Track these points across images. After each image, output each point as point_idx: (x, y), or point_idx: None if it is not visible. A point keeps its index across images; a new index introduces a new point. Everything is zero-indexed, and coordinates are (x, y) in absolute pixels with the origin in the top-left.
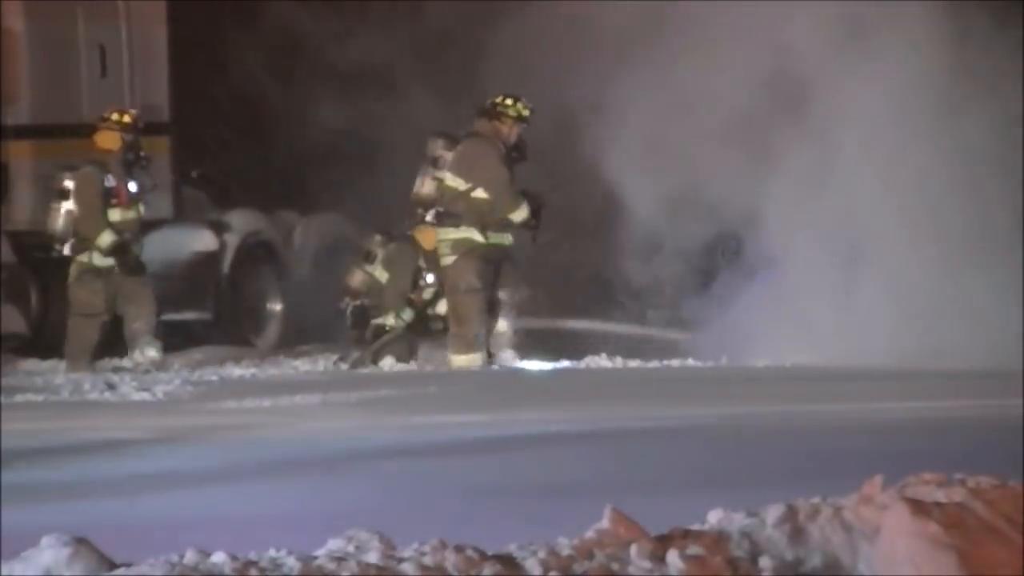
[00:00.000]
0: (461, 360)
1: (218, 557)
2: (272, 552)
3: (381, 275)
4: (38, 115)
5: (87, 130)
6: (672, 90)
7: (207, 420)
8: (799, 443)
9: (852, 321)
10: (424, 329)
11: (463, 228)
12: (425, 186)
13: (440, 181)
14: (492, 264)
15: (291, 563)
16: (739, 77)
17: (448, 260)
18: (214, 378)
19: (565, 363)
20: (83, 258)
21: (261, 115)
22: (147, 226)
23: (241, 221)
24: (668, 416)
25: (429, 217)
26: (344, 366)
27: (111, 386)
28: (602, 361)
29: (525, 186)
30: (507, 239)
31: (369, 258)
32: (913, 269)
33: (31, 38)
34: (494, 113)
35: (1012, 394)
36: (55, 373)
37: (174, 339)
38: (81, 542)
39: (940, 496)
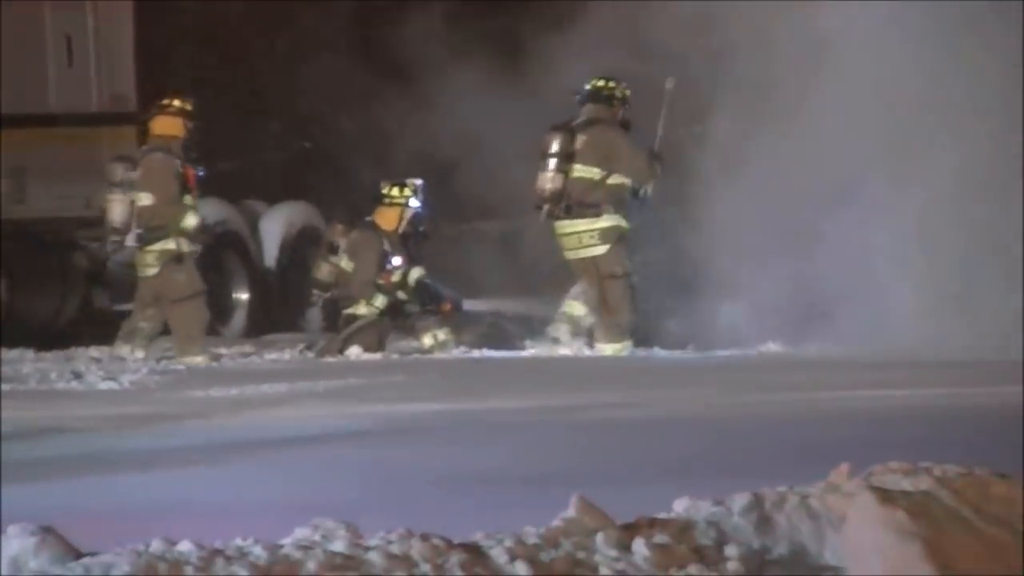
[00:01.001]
0: (615, 348)
1: (184, 546)
2: (238, 541)
3: (347, 265)
4: (4, 105)
5: (53, 120)
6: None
7: (173, 409)
8: (767, 432)
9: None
10: (398, 313)
11: (605, 216)
12: (550, 180)
13: (567, 173)
14: None
15: (257, 552)
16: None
17: (600, 250)
18: (180, 367)
19: (532, 352)
20: (168, 245)
21: (228, 105)
22: None
23: (208, 211)
24: (634, 404)
25: (558, 210)
26: (311, 355)
27: (77, 375)
28: (566, 349)
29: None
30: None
31: (333, 249)
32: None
33: None
34: (601, 97)
35: (978, 383)
36: (21, 362)
37: None
38: (47, 531)
39: (906, 485)
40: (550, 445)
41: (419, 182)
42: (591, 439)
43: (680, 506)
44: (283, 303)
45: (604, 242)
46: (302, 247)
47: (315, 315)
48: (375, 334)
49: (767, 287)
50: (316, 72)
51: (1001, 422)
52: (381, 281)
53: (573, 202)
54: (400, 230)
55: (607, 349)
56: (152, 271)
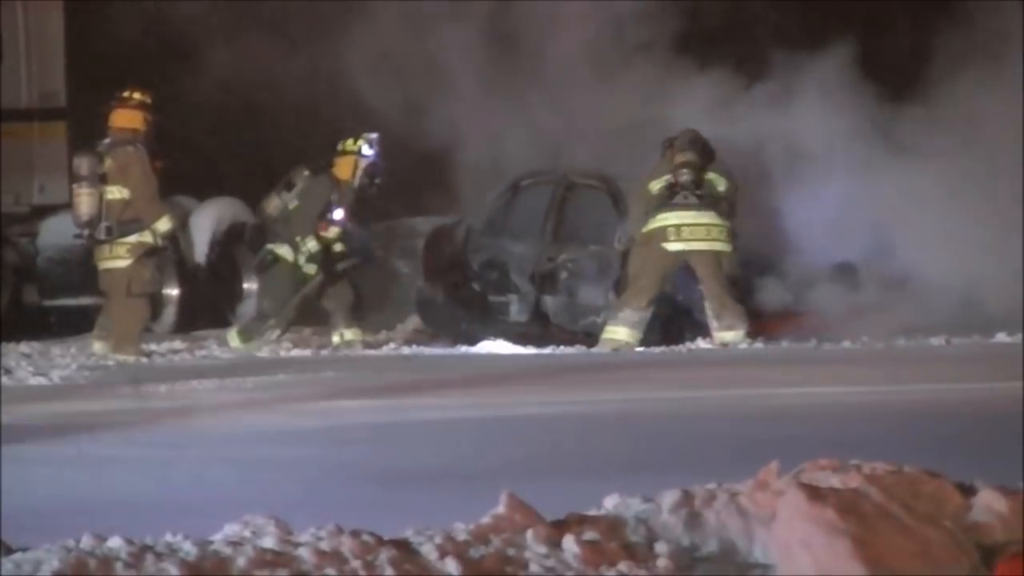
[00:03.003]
0: (736, 335)
1: (114, 542)
2: (168, 537)
3: (293, 205)
4: None
5: None
6: None
7: (103, 405)
8: (696, 429)
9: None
10: (328, 268)
11: (704, 211)
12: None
13: (691, 164)
14: None
15: (187, 548)
16: None
17: (726, 247)
18: (110, 363)
19: (463, 348)
20: (144, 238)
21: (158, 101)
22: (44, 211)
23: None
24: (565, 402)
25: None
26: (273, 334)
27: (7, 370)
28: (499, 347)
29: None
30: None
31: (288, 187)
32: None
33: None
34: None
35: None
36: None
37: (71, 324)
38: None
39: (835, 482)
40: (478, 441)
41: (374, 135)
42: (519, 436)
43: (610, 503)
44: (213, 299)
45: (730, 239)
46: (231, 243)
47: (246, 310)
48: (316, 300)
49: None
50: (248, 66)
51: None
52: (320, 229)
53: (706, 196)
54: (356, 182)
55: (727, 336)
56: (123, 263)
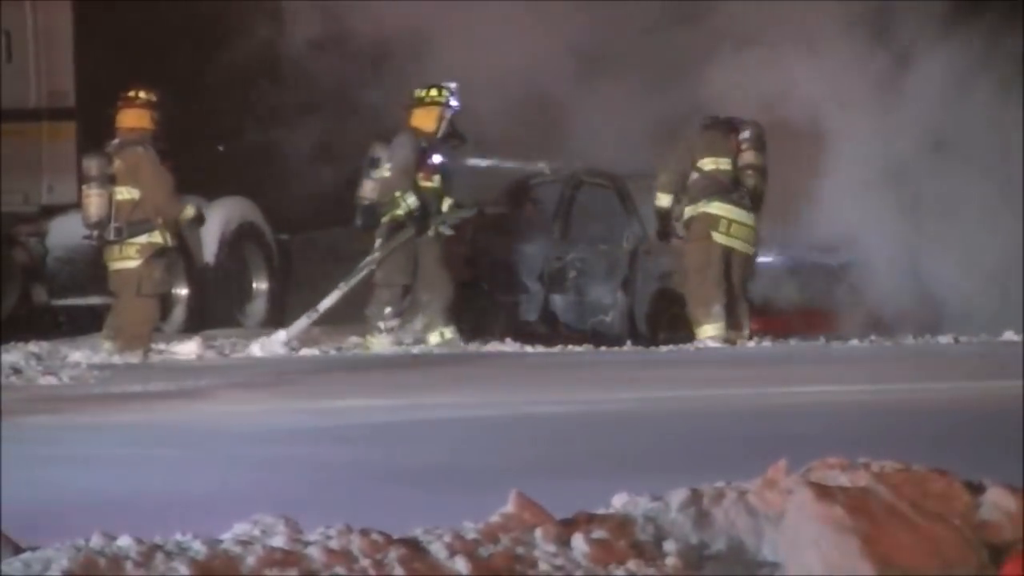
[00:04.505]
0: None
1: (124, 541)
2: (178, 536)
3: (385, 171)
4: None
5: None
6: None
7: (112, 404)
8: (704, 427)
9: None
10: (423, 224)
11: (751, 214)
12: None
13: (759, 169)
14: None
15: (197, 547)
16: None
17: (738, 245)
18: (119, 362)
19: (475, 347)
20: (155, 238)
21: (168, 101)
22: (53, 211)
23: None
24: (572, 400)
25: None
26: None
27: (17, 370)
28: (507, 347)
29: None
30: None
31: (373, 164)
32: None
33: None
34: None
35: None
36: None
37: (80, 323)
38: None
39: (844, 480)
40: (488, 440)
41: (454, 84)
42: (528, 434)
43: (618, 502)
44: (221, 298)
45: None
46: (240, 242)
47: (255, 310)
48: (410, 256)
49: None
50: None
51: None
52: (422, 179)
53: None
54: (440, 133)
55: (729, 335)
56: (133, 264)
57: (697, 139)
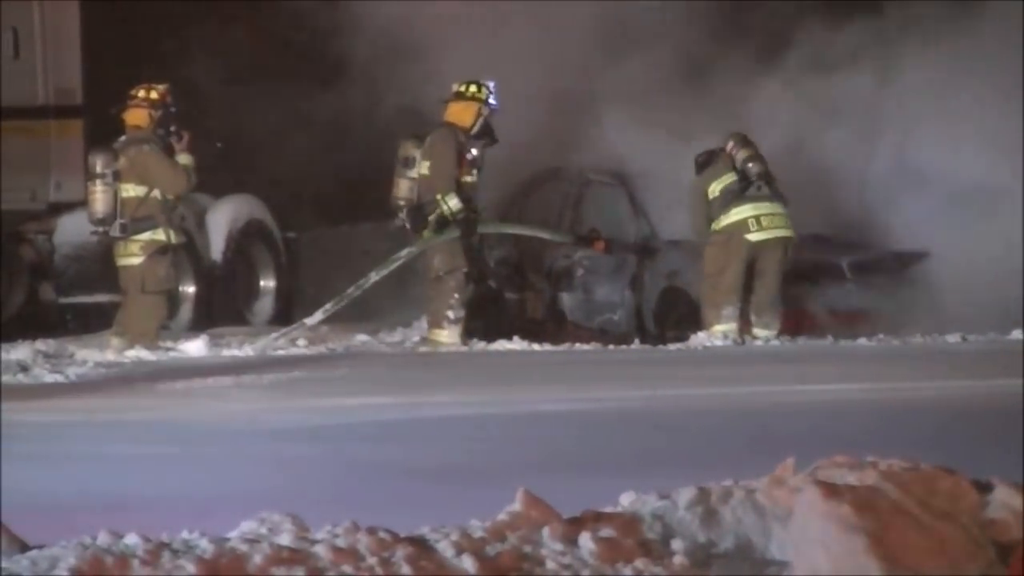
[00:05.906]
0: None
1: (131, 539)
2: (185, 534)
3: (424, 168)
4: None
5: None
6: None
7: (119, 402)
8: (712, 425)
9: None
10: (469, 223)
11: (775, 202)
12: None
13: (758, 157)
14: None
15: (204, 545)
16: None
17: (776, 232)
18: (127, 360)
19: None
20: (157, 235)
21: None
22: (60, 208)
23: None
24: (580, 399)
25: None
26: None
27: (24, 368)
28: (514, 344)
29: None
30: None
31: (409, 163)
32: None
33: None
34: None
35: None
36: None
37: (88, 321)
38: None
39: (852, 479)
40: (494, 438)
41: (492, 82)
42: (535, 432)
43: (626, 500)
44: (229, 296)
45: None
46: (248, 240)
47: (263, 308)
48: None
49: None
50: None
51: None
52: (459, 175)
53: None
54: (474, 130)
55: (761, 333)
56: (136, 260)
57: (699, 180)
